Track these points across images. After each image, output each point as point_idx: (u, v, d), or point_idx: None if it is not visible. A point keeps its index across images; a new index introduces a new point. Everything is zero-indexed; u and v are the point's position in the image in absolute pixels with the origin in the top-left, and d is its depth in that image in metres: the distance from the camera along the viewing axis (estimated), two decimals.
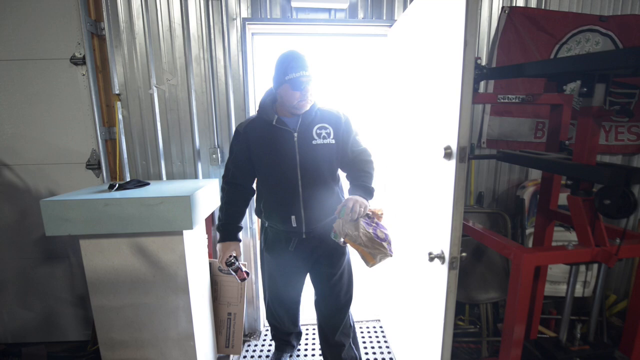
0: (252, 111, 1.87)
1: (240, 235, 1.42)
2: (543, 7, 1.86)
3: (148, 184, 1.57)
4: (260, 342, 2.04)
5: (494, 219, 1.91)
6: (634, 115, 1.97)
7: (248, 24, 1.74)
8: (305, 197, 1.30)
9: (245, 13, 1.73)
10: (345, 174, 1.40)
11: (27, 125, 1.76)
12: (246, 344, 2.03)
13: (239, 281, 1.42)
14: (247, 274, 1.41)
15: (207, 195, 1.53)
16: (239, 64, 1.78)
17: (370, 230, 1.14)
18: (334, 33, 1.85)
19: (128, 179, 1.79)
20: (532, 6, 1.86)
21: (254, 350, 1.97)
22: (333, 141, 1.31)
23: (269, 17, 1.74)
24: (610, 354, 1.11)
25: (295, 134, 1.27)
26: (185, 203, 1.27)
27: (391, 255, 1.15)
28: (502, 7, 1.82)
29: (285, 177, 1.29)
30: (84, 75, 1.73)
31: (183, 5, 1.70)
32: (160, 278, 1.39)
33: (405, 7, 1.77)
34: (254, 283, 2.05)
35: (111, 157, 1.83)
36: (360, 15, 1.79)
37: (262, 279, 1.62)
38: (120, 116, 1.77)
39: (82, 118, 1.77)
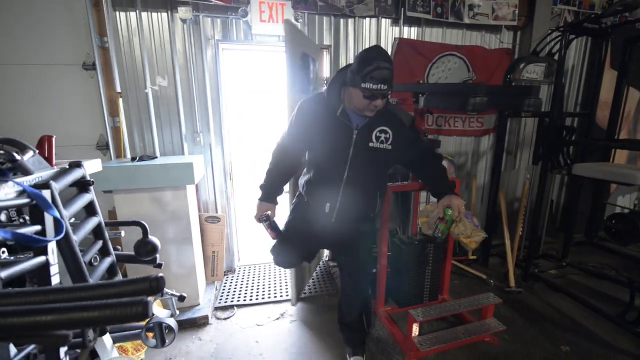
0: (226, 107, 2.56)
1: (279, 198, 1.54)
2: (420, 39, 2.82)
3: (156, 157, 2.22)
4: (235, 275, 2.81)
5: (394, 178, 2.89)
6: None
7: (220, 43, 2.42)
8: (345, 194, 1.34)
9: (218, 36, 2.41)
10: (414, 173, 1.51)
11: (44, 116, 2.26)
12: (225, 276, 2.79)
13: (271, 238, 1.54)
14: (278, 234, 1.52)
15: (197, 165, 2.23)
16: (214, 71, 2.46)
17: (471, 222, 1.37)
18: (281, 50, 2.61)
19: (129, 157, 2.39)
20: (413, 37, 2.81)
21: (232, 279, 2.74)
22: (390, 147, 1.31)
23: (235, 39, 2.44)
24: (431, 239, 2.12)
25: (355, 132, 1.28)
26: (190, 167, 1.98)
27: (486, 235, 1.44)
28: (395, 38, 2.73)
29: (332, 169, 1.33)
30: (92, 78, 2.27)
31: (170, 28, 2.32)
32: (171, 220, 2.08)
33: (337, 35, 2.60)
34: (228, 232, 2.80)
35: (115, 140, 2.41)
36: None
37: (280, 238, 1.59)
38: (122, 109, 2.35)
39: (91, 110, 2.32)
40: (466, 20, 2.82)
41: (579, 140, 2.69)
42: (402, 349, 1.84)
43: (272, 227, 1.51)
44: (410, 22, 2.76)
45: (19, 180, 0.84)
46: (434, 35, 2.86)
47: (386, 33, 2.74)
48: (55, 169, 1.03)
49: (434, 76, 2.86)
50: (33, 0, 2.09)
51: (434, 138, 1.91)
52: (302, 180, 1.49)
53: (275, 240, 1.61)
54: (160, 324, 1.51)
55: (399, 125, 1.32)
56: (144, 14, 2.27)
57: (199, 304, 2.27)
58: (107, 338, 1.10)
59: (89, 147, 2.38)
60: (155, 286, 0.67)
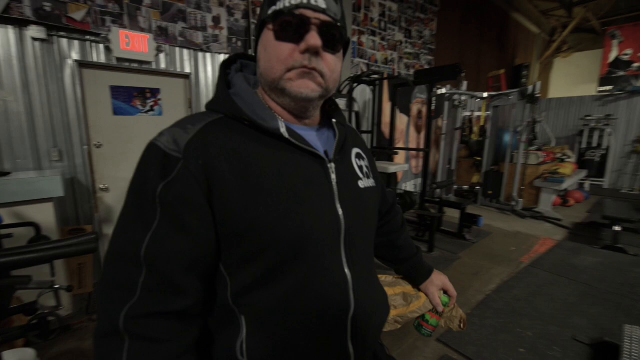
0: (94, 123, 2.69)
1: None
2: None
3: (9, 172, 2.18)
4: None
5: None
6: None
7: (78, 62, 2.57)
8: (360, 310, 0.57)
9: (76, 56, 2.55)
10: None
11: None
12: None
13: None
14: None
15: (60, 179, 2.32)
16: (73, 88, 2.57)
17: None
18: (145, 73, 2.96)
19: None
20: None
21: None
22: (373, 182, 0.69)
23: (96, 60, 2.64)
24: None
25: (332, 166, 0.59)
26: (57, 180, 2.13)
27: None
28: None
29: (314, 268, 0.54)
30: None
31: (19, 44, 2.32)
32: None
33: (196, 65, 3.13)
34: None
35: None
36: (163, 66, 2.99)
37: None
38: None
39: None
40: None
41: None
42: None
43: None
44: None
45: None
46: None
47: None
48: None
49: None
50: None
51: None
52: (228, 351, 0.55)
53: None
54: (45, 318, 1.72)
55: (363, 143, 0.76)
56: None
57: (70, 313, 2.34)
58: None
59: None
60: (97, 238, 1.14)
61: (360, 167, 0.67)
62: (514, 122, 5.30)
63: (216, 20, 3.22)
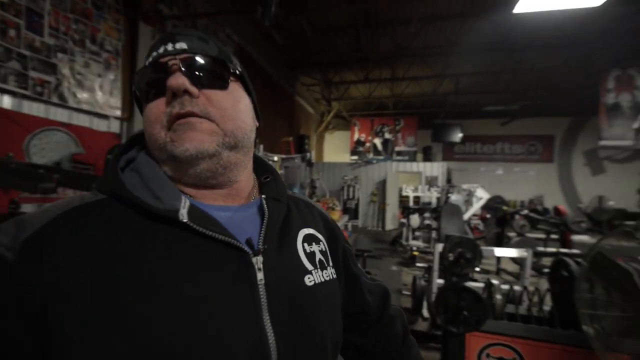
0: None
1: None
2: (19, 110, 2.87)
3: None
4: None
5: None
6: None
7: None
8: None
9: None
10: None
11: None
12: None
13: None
14: None
15: None
16: None
17: None
18: None
19: None
20: (7, 107, 2.80)
21: None
22: (334, 273, 0.53)
23: None
24: None
25: (258, 261, 0.42)
26: None
27: None
28: None
29: None
30: None
31: None
32: None
33: None
34: None
35: None
36: None
37: None
38: None
39: None
40: (72, 104, 3.27)
41: None
42: None
43: None
44: (3, 90, 2.74)
45: None
46: (34, 109, 3.01)
47: None
48: None
49: (35, 147, 2.96)
50: None
51: None
52: None
53: None
54: None
55: (321, 220, 0.59)
56: None
57: None
58: None
59: None
60: None
61: (311, 255, 0.48)
62: (300, 179, 6.56)
63: None
